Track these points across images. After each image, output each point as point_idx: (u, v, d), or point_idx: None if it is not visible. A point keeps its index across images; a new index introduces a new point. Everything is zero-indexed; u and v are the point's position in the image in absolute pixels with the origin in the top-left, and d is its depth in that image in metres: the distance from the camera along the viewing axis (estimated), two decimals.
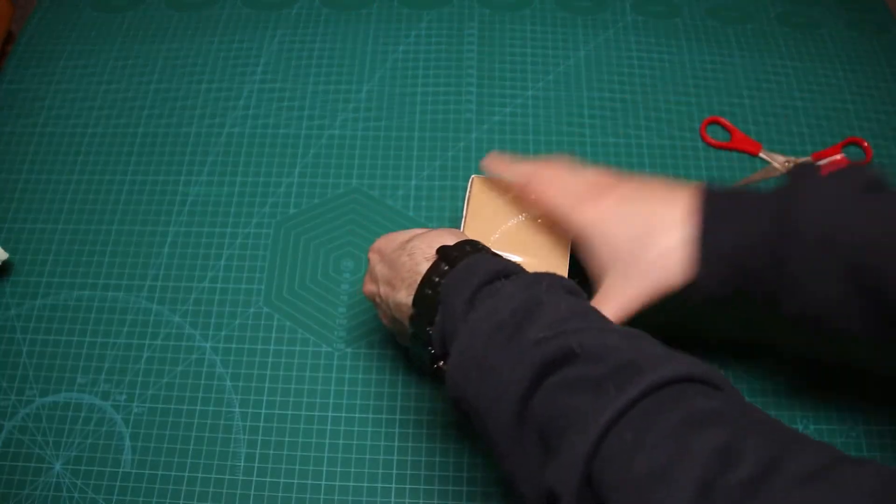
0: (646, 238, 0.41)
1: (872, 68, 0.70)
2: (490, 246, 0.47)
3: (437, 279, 0.37)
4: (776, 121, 0.66)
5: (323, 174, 0.63)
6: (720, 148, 0.64)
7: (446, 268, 0.38)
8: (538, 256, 0.49)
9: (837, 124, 0.66)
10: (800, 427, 0.51)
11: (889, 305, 0.36)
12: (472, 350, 0.34)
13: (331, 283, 0.58)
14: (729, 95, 0.67)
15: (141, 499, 0.50)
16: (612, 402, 0.29)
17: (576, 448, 0.29)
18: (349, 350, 0.55)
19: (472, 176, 0.52)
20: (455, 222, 0.60)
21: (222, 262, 0.59)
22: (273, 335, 0.55)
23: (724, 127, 0.66)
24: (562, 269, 0.48)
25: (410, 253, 0.40)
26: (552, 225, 0.49)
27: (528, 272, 0.38)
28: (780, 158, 0.63)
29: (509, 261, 0.38)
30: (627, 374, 0.30)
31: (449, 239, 0.41)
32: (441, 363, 0.38)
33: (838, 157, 0.63)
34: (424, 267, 0.39)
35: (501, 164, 0.50)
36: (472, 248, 0.39)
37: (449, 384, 0.35)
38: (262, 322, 0.56)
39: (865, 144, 0.64)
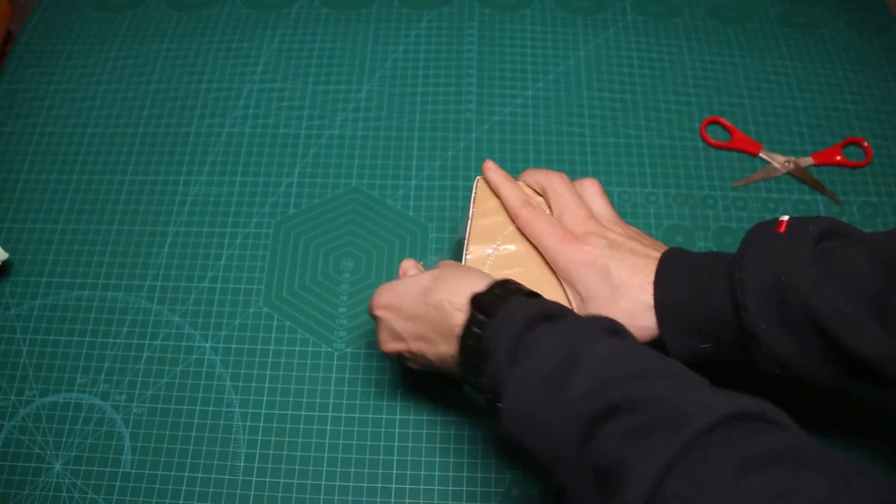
0: (623, 289, 0.43)
1: (872, 68, 0.70)
2: (497, 248, 0.48)
3: (477, 331, 0.38)
4: (776, 121, 0.66)
5: (323, 174, 0.63)
6: (720, 148, 0.64)
7: (482, 318, 0.38)
8: (540, 258, 0.48)
9: (837, 124, 0.66)
10: None
11: (850, 355, 0.36)
12: (521, 406, 0.35)
13: (331, 283, 0.58)
14: (729, 95, 0.67)
15: (141, 499, 0.50)
16: (661, 452, 0.29)
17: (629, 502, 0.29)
18: (349, 350, 0.55)
19: (478, 178, 0.51)
20: (454, 222, 0.60)
21: (222, 262, 0.59)
22: (273, 335, 0.55)
23: (724, 127, 0.66)
24: None
25: (438, 307, 0.40)
26: None
27: (564, 313, 0.38)
28: (781, 158, 0.63)
29: (543, 301, 0.38)
30: (674, 423, 0.30)
31: (471, 282, 0.40)
32: (498, 404, 0.38)
33: (839, 157, 0.63)
34: (459, 319, 0.39)
35: (497, 179, 0.49)
36: (502, 292, 0.39)
37: (505, 433, 0.36)
38: (262, 322, 0.56)
39: (865, 144, 0.64)
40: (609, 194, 0.61)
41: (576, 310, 0.45)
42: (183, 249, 0.59)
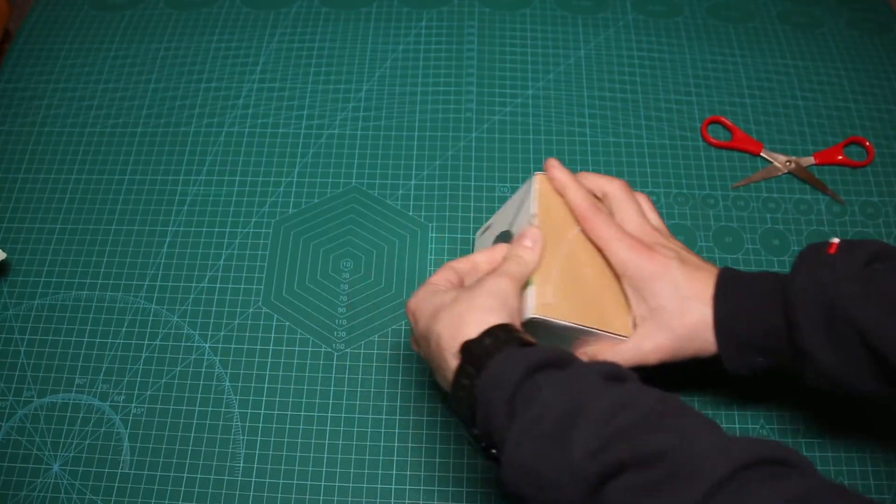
0: (691, 302, 0.43)
1: (874, 67, 0.69)
2: (565, 248, 0.45)
3: (466, 382, 0.37)
4: (777, 120, 0.66)
5: (322, 174, 0.63)
6: (721, 147, 0.64)
7: (471, 370, 0.37)
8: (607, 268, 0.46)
9: (839, 123, 0.66)
10: (801, 429, 0.51)
11: (890, 367, 0.38)
12: (522, 464, 0.34)
13: (330, 283, 0.57)
14: (730, 95, 0.67)
15: (140, 499, 0.49)
16: None
17: None
18: (349, 350, 0.55)
19: (536, 173, 0.47)
20: (454, 221, 0.60)
21: (221, 262, 0.58)
22: (272, 335, 0.55)
23: (725, 126, 0.65)
24: None
25: (437, 343, 0.39)
26: None
27: (561, 361, 0.36)
28: (782, 158, 0.63)
29: (539, 350, 0.36)
30: (687, 476, 0.29)
31: (470, 322, 0.38)
32: (492, 451, 0.37)
33: (840, 157, 0.63)
34: (452, 364, 0.38)
35: (564, 180, 0.47)
36: (493, 342, 0.37)
37: (504, 488, 0.35)
38: (262, 322, 0.56)
39: (867, 144, 0.64)
40: None
41: (638, 320, 0.45)
42: (182, 249, 0.59)
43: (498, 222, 0.52)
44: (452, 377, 0.38)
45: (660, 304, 0.43)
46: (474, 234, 0.59)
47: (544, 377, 0.35)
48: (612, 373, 0.36)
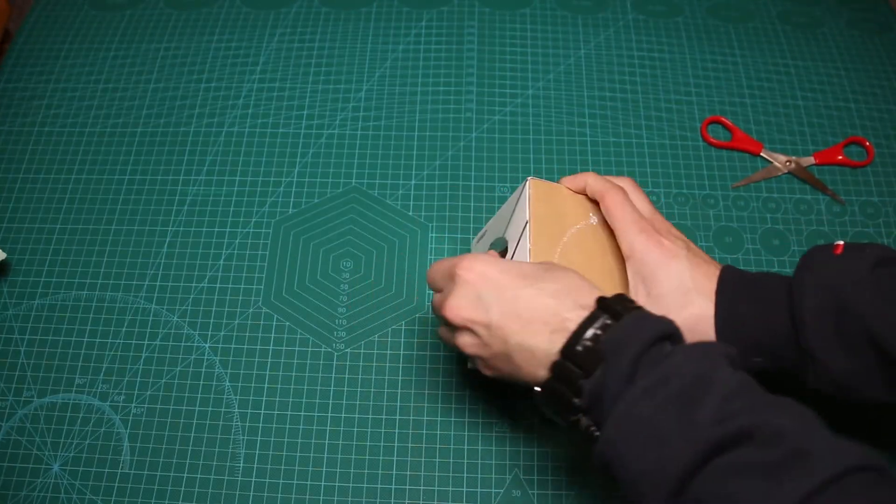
0: (693, 294, 0.42)
1: (874, 67, 0.69)
2: (558, 252, 0.46)
3: (599, 332, 0.35)
4: (777, 120, 0.66)
5: (322, 174, 0.63)
6: (721, 147, 0.64)
7: (609, 322, 0.36)
8: (602, 267, 0.47)
9: (839, 123, 0.66)
10: None
11: None
12: (639, 417, 0.33)
13: (330, 283, 0.57)
14: (730, 95, 0.67)
15: (140, 499, 0.49)
16: (788, 494, 0.29)
17: None
18: (349, 350, 0.55)
19: (529, 178, 0.47)
20: (454, 221, 0.60)
21: (221, 262, 0.58)
22: (272, 335, 0.55)
23: (725, 126, 0.65)
24: (622, 279, 0.47)
25: (554, 294, 0.37)
26: (607, 235, 0.48)
27: (682, 338, 0.37)
28: (782, 158, 0.63)
29: (668, 321, 0.36)
30: (801, 465, 0.30)
31: (589, 285, 0.38)
32: (582, 416, 0.36)
33: (840, 157, 0.63)
34: (577, 315, 0.36)
35: (576, 176, 0.48)
36: (629, 304, 0.37)
37: (602, 444, 0.34)
38: (262, 322, 0.56)
39: (867, 144, 0.64)
40: None
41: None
42: (182, 249, 0.59)
43: (493, 228, 0.52)
44: (576, 326, 0.36)
45: (662, 293, 0.42)
46: (473, 234, 0.59)
47: (670, 346, 0.35)
48: (732, 357, 0.35)
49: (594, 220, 0.48)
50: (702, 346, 0.35)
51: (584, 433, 0.37)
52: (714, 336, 0.42)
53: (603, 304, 0.37)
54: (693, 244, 0.46)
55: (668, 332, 0.36)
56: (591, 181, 0.47)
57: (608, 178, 0.47)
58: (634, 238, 0.43)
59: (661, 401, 0.33)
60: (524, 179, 0.48)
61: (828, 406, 0.52)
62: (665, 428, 0.32)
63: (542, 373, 0.37)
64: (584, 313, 0.36)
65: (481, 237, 0.55)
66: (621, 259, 0.46)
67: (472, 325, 0.39)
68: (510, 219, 0.48)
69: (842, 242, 0.41)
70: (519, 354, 0.38)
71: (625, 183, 0.47)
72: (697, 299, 0.42)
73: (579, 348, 0.35)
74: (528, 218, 0.46)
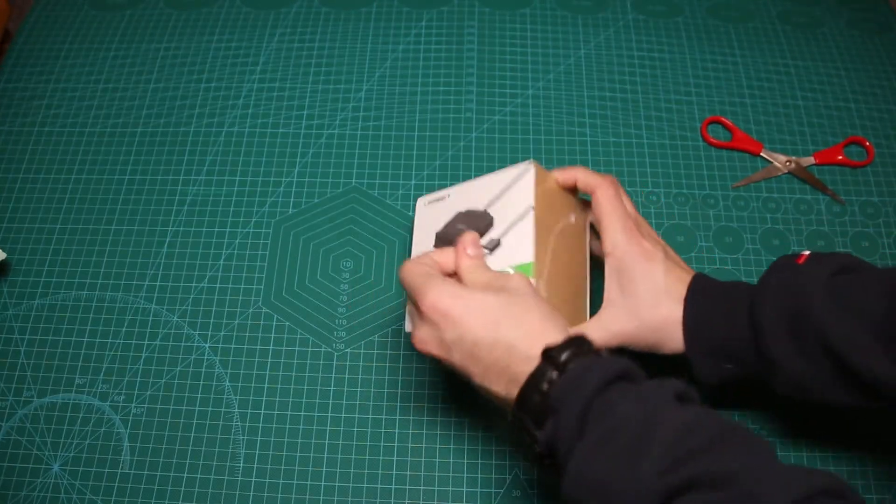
0: (662, 296, 0.44)
1: (874, 67, 0.69)
2: (551, 243, 0.46)
3: (545, 386, 0.36)
4: (777, 120, 0.66)
5: (322, 174, 0.63)
6: (721, 147, 0.64)
7: (554, 375, 0.36)
8: (577, 268, 0.48)
9: (839, 123, 0.66)
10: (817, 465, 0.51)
11: (861, 378, 0.38)
12: (589, 475, 0.33)
13: (330, 283, 0.57)
14: (730, 95, 0.67)
15: (140, 499, 0.49)
16: None
17: None
18: (349, 350, 0.55)
19: (531, 161, 0.47)
20: None
21: (221, 262, 0.58)
22: (272, 335, 0.55)
23: (725, 126, 0.65)
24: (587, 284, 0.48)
25: (507, 347, 0.37)
26: (582, 236, 0.49)
27: (636, 375, 0.37)
28: (782, 158, 0.63)
29: (615, 361, 0.36)
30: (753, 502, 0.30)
31: (546, 327, 0.38)
32: (545, 460, 0.37)
33: (840, 157, 0.63)
34: (527, 367, 0.37)
35: (567, 169, 0.49)
36: (576, 350, 0.36)
37: (565, 497, 0.35)
38: (262, 322, 0.56)
39: (867, 144, 0.64)
40: None
41: (608, 303, 0.45)
42: (182, 249, 0.59)
43: (461, 198, 0.49)
44: (525, 381, 0.36)
45: (636, 291, 0.44)
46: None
47: (619, 390, 0.35)
48: (682, 392, 0.36)
49: (572, 218, 0.49)
50: (646, 388, 0.35)
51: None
52: (681, 339, 0.44)
53: (548, 356, 0.36)
54: (671, 250, 0.47)
55: (617, 373, 0.36)
56: (582, 175, 0.47)
57: (597, 173, 0.48)
58: (618, 235, 0.45)
59: (610, 455, 0.33)
60: (527, 161, 0.47)
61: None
62: (616, 485, 0.32)
63: (507, 410, 0.38)
64: (532, 365, 0.37)
65: (436, 201, 0.51)
66: (590, 262, 0.48)
67: (439, 359, 0.41)
68: (500, 196, 0.47)
69: (807, 252, 0.43)
70: (484, 392, 0.40)
71: (610, 181, 0.48)
72: (667, 302, 0.44)
73: (532, 401, 0.36)
74: (532, 204, 0.45)
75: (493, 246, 0.46)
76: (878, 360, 0.37)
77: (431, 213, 0.50)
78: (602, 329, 0.45)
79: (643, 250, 0.44)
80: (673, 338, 0.44)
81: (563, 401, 0.35)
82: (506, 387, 0.38)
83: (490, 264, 0.44)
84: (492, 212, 0.47)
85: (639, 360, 0.41)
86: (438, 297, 0.39)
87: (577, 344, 0.37)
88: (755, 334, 0.42)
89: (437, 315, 0.39)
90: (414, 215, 0.51)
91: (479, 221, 0.47)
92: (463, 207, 0.49)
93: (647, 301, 0.44)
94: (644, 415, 0.34)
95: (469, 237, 0.44)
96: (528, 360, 0.37)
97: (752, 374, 0.44)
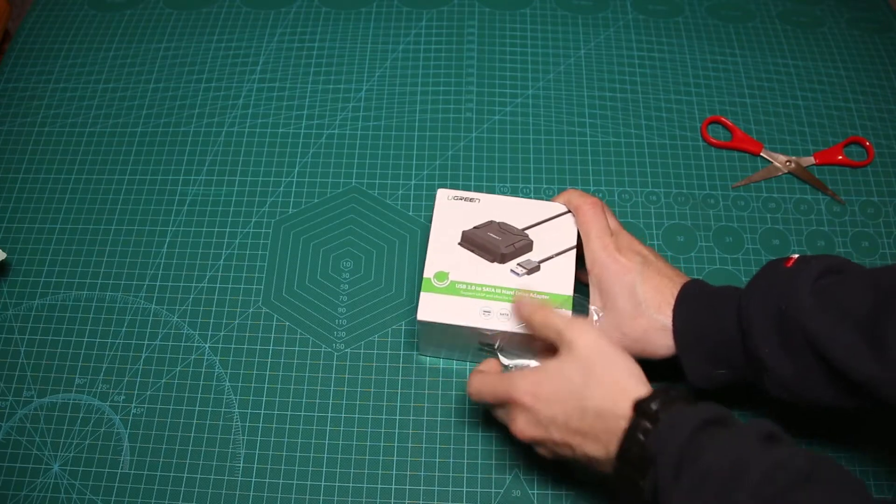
0: (641, 307, 0.45)
1: (874, 67, 0.69)
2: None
3: (641, 438, 0.38)
4: (778, 120, 0.66)
5: (322, 174, 0.63)
6: (721, 147, 0.64)
7: (648, 425, 0.38)
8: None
9: (839, 123, 0.66)
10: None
11: (849, 378, 0.39)
12: None
13: (330, 283, 0.57)
14: (730, 94, 0.67)
15: (140, 500, 0.49)
16: None
17: None
18: (349, 350, 0.55)
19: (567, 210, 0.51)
20: None
21: (221, 262, 0.58)
22: (272, 335, 0.55)
23: (725, 126, 0.65)
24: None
25: (597, 414, 0.39)
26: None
27: (725, 419, 0.38)
28: (782, 158, 0.63)
29: (705, 408, 0.38)
30: None
31: (629, 383, 0.40)
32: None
33: (840, 157, 0.63)
34: (622, 424, 0.39)
35: (563, 195, 0.51)
36: (665, 398, 0.38)
37: None
38: (262, 322, 0.56)
39: (867, 144, 0.64)
40: (609, 194, 0.61)
41: (596, 315, 0.47)
42: (182, 249, 0.59)
43: (494, 209, 0.51)
44: (623, 436, 0.38)
45: (615, 304, 0.46)
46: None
47: (709, 435, 0.36)
48: (769, 433, 0.37)
49: None
50: (735, 432, 0.37)
51: None
52: (668, 345, 0.45)
53: (641, 410, 0.38)
54: (655, 259, 0.48)
55: (708, 419, 0.37)
56: (572, 196, 0.50)
57: (585, 194, 0.50)
58: (597, 253, 0.47)
59: (705, 499, 0.34)
60: (563, 205, 0.51)
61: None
62: None
63: (609, 469, 0.40)
64: (626, 423, 0.38)
65: (464, 200, 0.52)
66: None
67: (541, 441, 0.43)
68: (540, 225, 0.50)
69: (796, 255, 0.44)
70: (585, 459, 0.41)
71: (594, 201, 0.50)
72: (646, 311, 0.45)
73: (632, 453, 0.38)
74: (574, 244, 0.50)
75: (532, 268, 0.49)
76: (864, 360, 0.38)
77: (457, 210, 0.52)
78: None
79: (619, 265, 0.46)
80: (659, 344, 0.45)
81: (660, 450, 0.36)
82: (605, 447, 0.39)
83: (525, 285, 0.48)
84: (531, 235, 0.50)
85: (643, 364, 0.42)
86: (526, 385, 0.42)
87: (665, 393, 0.38)
88: (743, 337, 0.42)
89: (530, 399, 0.41)
90: (434, 204, 0.52)
91: (515, 239, 0.50)
92: (497, 218, 0.51)
93: (628, 312, 0.45)
94: (734, 457, 0.35)
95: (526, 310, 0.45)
96: (619, 418, 0.39)
97: (744, 377, 0.45)
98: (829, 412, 0.51)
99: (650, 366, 0.44)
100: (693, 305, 0.45)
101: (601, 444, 0.39)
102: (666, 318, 0.45)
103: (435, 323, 0.47)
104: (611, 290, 0.46)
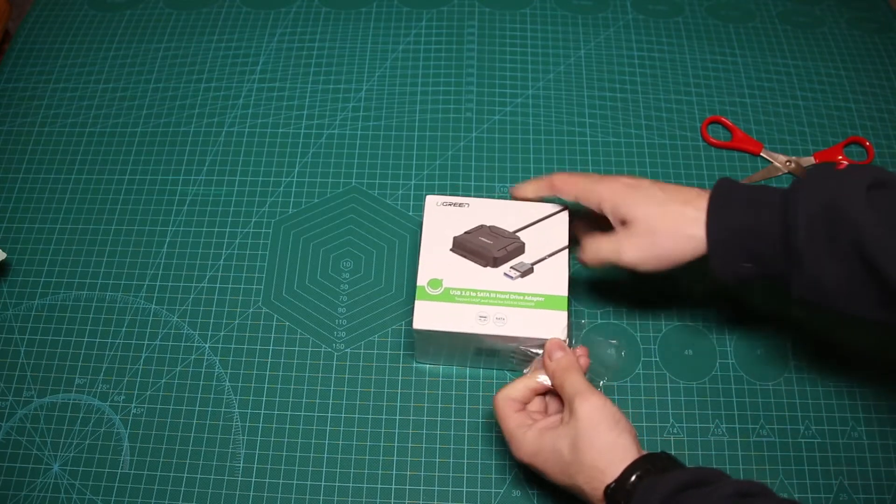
0: (668, 205, 0.44)
1: (874, 67, 0.69)
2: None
3: None
4: (777, 120, 0.66)
5: (322, 174, 0.63)
6: (721, 147, 0.64)
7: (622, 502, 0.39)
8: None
9: (839, 123, 0.66)
10: (801, 429, 0.51)
11: (889, 287, 0.37)
12: None
13: (330, 283, 0.57)
14: (730, 95, 0.67)
15: (140, 500, 0.49)
16: None
17: None
18: (349, 350, 0.55)
19: (565, 208, 0.51)
20: None
21: (221, 262, 0.58)
22: (272, 335, 0.55)
23: (725, 126, 0.65)
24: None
25: (581, 490, 0.41)
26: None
27: (708, 479, 0.38)
28: (782, 158, 0.63)
29: (673, 478, 0.38)
30: None
31: (606, 461, 0.40)
32: None
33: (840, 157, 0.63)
34: (598, 498, 0.40)
35: (526, 186, 0.51)
36: (633, 482, 0.39)
37: None
38: (262, 322, 0.56)
39: (867, 144, 0.64)
40: None
41: (618, 236, 0.46)
42: (182, 249, 0.59)
43: (484, 212, 0.51)
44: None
45: (637, 215, 0.45)
46: None
47: (682, 501, 0.37)
48: (745, 490, 0.37)
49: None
50: (710, 493, 0.37)
51: None
52: (702, 238, 0.43)
53: (610, 499, 0.39)
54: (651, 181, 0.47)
55: (686, 483, 0.38)
56: (532, 186, 0.51)
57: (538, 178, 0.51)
58: (605, 192, 0.46)
59: None
60: (555, 205, 0.51)
61: (827, 408, 0.52)
62: None
63: None
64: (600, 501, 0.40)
65: (453, 205, 0.52)
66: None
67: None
68: (532, 227, 0.51)
69: (846, 162, 0.42)
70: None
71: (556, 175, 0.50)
72: (673, 207, 0.44)
73: None
74: (566, 244, 0.50)
75: (525, 270, 0.49)
76: None
77: (447, 216, 0.51)
78: (614, 253, 0.46)
79: (627, 184, 0.46)
80: (689, 235, 0.44)
81: None
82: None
83: (519, 288, 0.48)
84: (522, 237, 0.50)
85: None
86: (522, 455, 0.44)
87: (638, 469, 0.39)
88: (786, 230, 0.40)
89: (530, 463, 0.44)
90: (423, 212, 0.52)
91: (507, 242, 0.49)
92: (488, 222, 0.51)
93: (653, 215, 0.45)
94: None
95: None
96: (597, 500, 0.40)
97: (771, 275, 0.43)
98: (832, 411, 0.51)
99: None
100: (731, 198, 0.43)
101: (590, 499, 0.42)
102: (695, 210, 0.44)
103: (431, 331, 0.47)
104: (629, 204, 0.45)
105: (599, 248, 0.47)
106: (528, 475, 0.50)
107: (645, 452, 0.41)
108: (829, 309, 0.41)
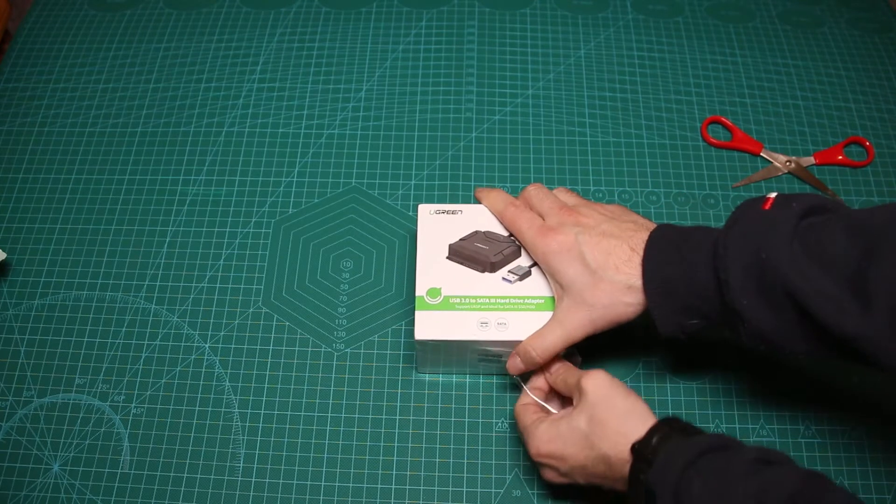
0: (600, 272, 0.44)
1: (874, 67, 0.69)
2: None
3: (641, 477, 0.39)
4: (778, 120, 0.66)
5: (322, 174, 0.63)
6: (721, 147, 0.64)
7: (647, 466, 0.39)
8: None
9: (839, 123, 0.66)
10: (801, 429, 0.51)
11: (831, 334, 0.37)
12: None
13: (330, 283, 0.57)
14: (730, 95, 0.67)
15: (140, 500, 0.49)
16: None
17: None
18: (349, 350, 0.55)
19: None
20: None
21: (221, 262, 0.58)
22: (272, 335, 0.55)
23: (725, 126, 0.65)
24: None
25: (603, 460, 0.41)
26: None
27: (721, 446, 0.39)
28: (782, 158, 0.63)
29: (697, 441, 0.39)
30: None
31: (629, 426, 0.41)
32: None
33: (840, 157, 0.63)
34: (626, 468, 0.41)
35: (482, 192, 0.52)
36: (660, 437, 0.39)
37: None
38: (262, 322, 0.56)
39: (867, 144, 0.64)
40: (609, 194, 0.61)
41: (557, 301, 0.46)
42: (182, 249, 0.59)
43: (478, 219, 0.51)
44: (628, 479, 0.40)
45: (569, 280, 0.45)
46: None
47: (704, 465, 0.37)
48: (764, 457, 0.37)
49: None
50: (729, 458, 0.37)
51: None
52: (641, 301, 0.43)
53: (637, 455, 0.40)
54: (596, 223, 0.45)
55: (700, 452, 0.38)
56: (491, 198, 0.51)
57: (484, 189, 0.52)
58: (531, 239, 0.47)
59: None
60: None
61: (826, 408, 0.52)
62: None
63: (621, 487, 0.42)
64: (628, 466, 0.40)
65: (447, 213, 0.52)
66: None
67: (569, 484, 0.45)
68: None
69: (773, 195, 0.41)
70: (611, 486, 0.43)
71: (529, 188, 0.50)
72: (605, 275, 0.43)
73: (638, 493, 0.40)
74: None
75: (523, 273, 0.49)
76: (849, 315, 0.36)
77: (441, 224, 0.51)
78: (561, 328, 0.45)
79: (556, 242, 0.45)
80: (628, 302, 0.43)
81: (658, 485, 0.38)
82: (623, 486, 0.41)
83: (519, 292, 0.48)
84: (524, 262, 0.50)
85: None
86: (539, 446, 0.44)
87: (666, 426, 0.40)
88: (719, 287, 0.40)
89: (546, 458, 0.44)
90: (417, 222, 0.51)
91: (503, 246, 0.49)
92: (482, 227, 0.51)
93: (585, 283, 0.44)
94: (720, 485, 0.36)
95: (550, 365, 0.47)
96: (623, 462, 0.41)
97: (717, 330, 0.43)
98: (829, 412, 0.51)
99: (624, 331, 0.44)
100: (663, 255, 0.42)
101: (618, 484, 0.42)
102: (626, 276, 0.43)
103: (434, 341, 0.47)
104: (562, 270, 0.45)
105: (545, 338, 0.46)
106: (529, 475, 0.50)
107: (662, 418, 0.41)
108: (777, 353, 0.42)
